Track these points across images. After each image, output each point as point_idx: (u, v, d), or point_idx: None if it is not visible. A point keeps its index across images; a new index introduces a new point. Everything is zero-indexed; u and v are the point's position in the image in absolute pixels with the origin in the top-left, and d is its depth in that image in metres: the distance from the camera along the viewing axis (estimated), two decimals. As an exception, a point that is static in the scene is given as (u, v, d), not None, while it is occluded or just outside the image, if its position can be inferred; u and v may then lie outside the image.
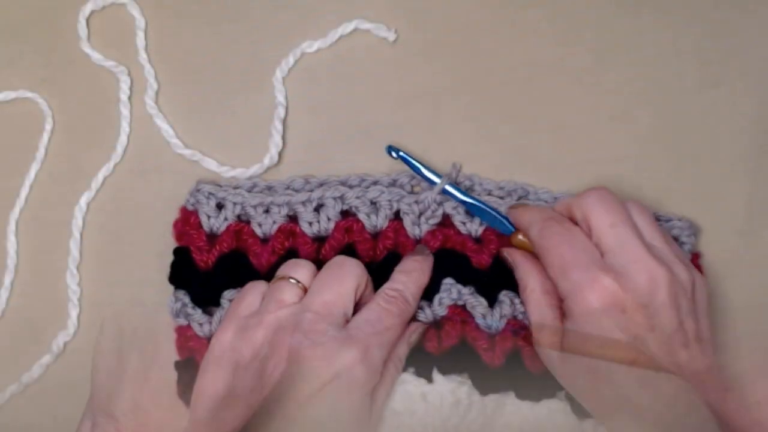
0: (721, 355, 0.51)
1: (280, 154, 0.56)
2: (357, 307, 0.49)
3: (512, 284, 0.52)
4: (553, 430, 0.51)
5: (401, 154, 0.54)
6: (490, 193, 0.55)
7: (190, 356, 0.53)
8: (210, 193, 0.54)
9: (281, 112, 0.57)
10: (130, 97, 0.57)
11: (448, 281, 0.52)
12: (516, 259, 0.51)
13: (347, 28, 0.57)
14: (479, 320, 0.51)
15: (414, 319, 0.52)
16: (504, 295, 0.52)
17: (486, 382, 0.51)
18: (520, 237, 0.52)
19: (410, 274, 0.51)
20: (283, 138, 0.57)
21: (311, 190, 0.55)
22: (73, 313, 0.56)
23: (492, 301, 0.52)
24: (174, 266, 0.53)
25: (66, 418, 0.55)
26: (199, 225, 0.53)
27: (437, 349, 0.52)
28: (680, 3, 0.57)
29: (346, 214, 0.54)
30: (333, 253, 0.53)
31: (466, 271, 0.52)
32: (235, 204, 0.53)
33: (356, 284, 0.49)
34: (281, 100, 0.57)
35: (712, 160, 0.56)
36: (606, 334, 0.45)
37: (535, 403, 0.52)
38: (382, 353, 0.48)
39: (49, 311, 0.56)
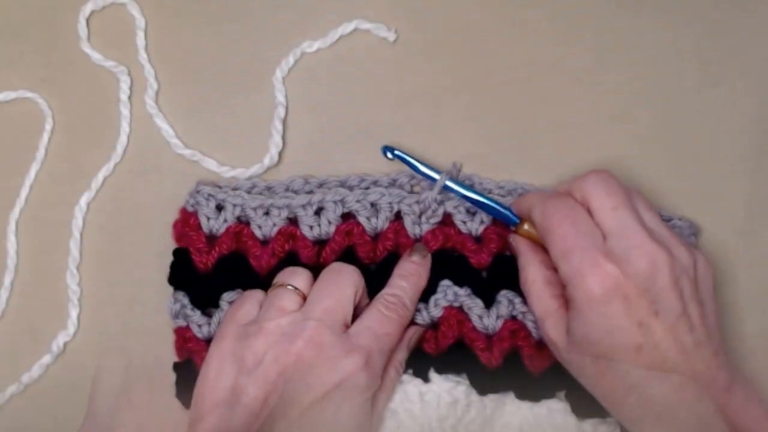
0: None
1: (280, 154, 0.56)
2: (354, 311, 0.50)
3: (511, 284, 0.52)
4: (553, 430, 0.51)
5: (397, 153, 0.54)
6: (490, 193, 0.55)
7: (189, 358, 0.53)
8: (210, 195, 0.54)
9: (281, 112, 0.57)
10: (130, 97, 0.57)
11: (445, 283, 0.52)
12: (520, 246, 0.51)
13: (347, 28, 0.57)
14: (476, 321, 0.51)
15: (411, 321, 0.52)
16: (502, 296, 0.52)
17: (485, 382, 0.51)
18: (526, 227, 0.51)
19: (408, 278, 0.51)
20: (283, 138, 0.57)
21: (311, 191, 0.55)
22: (73, 313, 0.56)
23: (490, 302, 0.52)
24: (173, 267, 0.53)
25: (66, 418, 0.55)
26: (199, 226, 0.53)
27: (434, 349, 0.52)
28: (680, 3, 0.57)
29: (346, 216, 0.53)
30: (333, 256, 0.53)
31: (463, 272, 0.52)
32: (234, 206, 0.53)
33: (355, 290, 0.49)
34: (281, 100, 0.57)
35: (712, 160, 0.56)
36: (610, 321, 0.45)
37: (534, 403, 0.52)
38: (382, 359, 0.48)
39: (49, 311, 0.56)
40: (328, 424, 0.46)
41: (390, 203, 0.53)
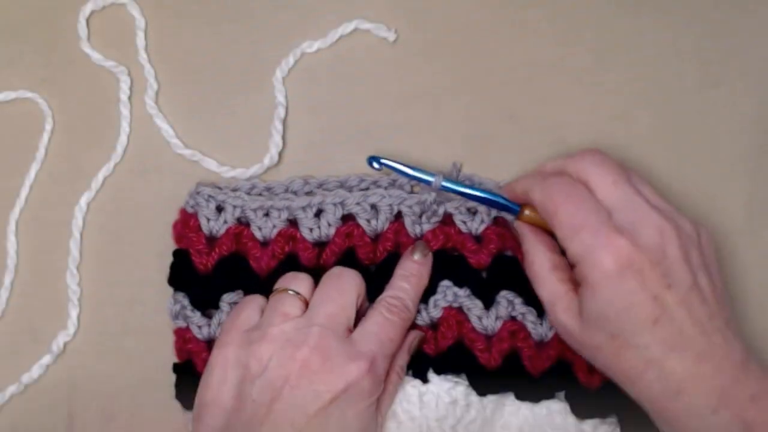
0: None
1: (280, 154, 0.56)
2: (356, 315, 0.50)
3: (511, 285, 0.52)
4: (553, 431, 0.51)
5: (385, 162, 0.52)
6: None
7: (189, 359, 0.53)
8: (210, 196, 0.54)
9: (281, 112, 0.57)
10: (130, 97, 0.57)
11: (444, 283, 0.52)
12: (524, 231, 0.51)
13: (347, 28, 0.57)
14: (475, 322, 0.51)
15: (412, 323, 0.52)
16: (502, 297, 0.52)
17: (484, 382, 0.51)
18: (527, 212, 0.51)
19: (410, 279, 0.51)
20: (283, 138, 0.57)
21: (310, 191, 0.55)
22: (73, 313, 0.56)
23: (489, 302, 0.52)
24: (173, 268, 0.53)
25: (66, 418, 0.56)
26: (199, 228, 0.53)
27: (433, 350, 0.52)
28: (680, 3, 0.57)
29: (346, 217, 0.53)
30: (333, 258, 0.52)
31: (463, 272, 0.52)
32: (234, 207, 0.53)
33: (357, 294, 0.49)
34: (281, 100, 0.57)
35: (712, 160, 0.56)
36: (626, 296, 0.45)
37: (534, 404, 0.51)
38: (386, 363, 0.49)
39: (49, 311, 0.56)
40: (334, 430, 0.46)
41: (390, 205, 0.53)
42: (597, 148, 0.50)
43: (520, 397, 0.51)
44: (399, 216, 0.53)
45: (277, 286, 0.50)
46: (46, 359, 0.55)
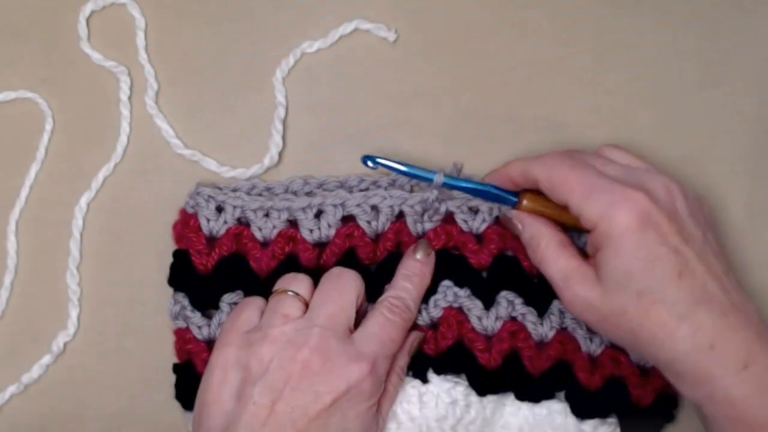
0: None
1: (280, 155, 0.56)
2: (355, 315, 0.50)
3: (511, 285, 0.52)
4: (553, 431, 0.51)
5: (380, 161, 0.52)
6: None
7: (189, 359, 0.53)
8: (210, 196, 0.53)
9: (281, 112, 0.57)
10: (130, 97, 0.57)
11: (445, 283, 0.52)
12: (523, 219, 0.50)
13: (347, 28, 0.57)
14: (475, 323, 0.51)
15: (413, 324, 0.52)
16: (502, 297, 0.52)
17: (484, 382, 0.51)
18: (525, 202, 0.51)
19: (413, 279, 0.51)
20: (283, 138, 0.57)
21: (310, 192, 0.55)
22: (73, 313, 0.56)
23: (489, 302, 0.52)
24: (173, 269, 0.53)
25: (66, 418, 0.56)
26: (199, 228, 0.53)
27: (433, 350, 0.52)
28: (680, 3, 0.57)
29: (346, 218, 0.53)
30: (333, 258, 0.52)
31: (463, 272, 0.52)
32: (234, 207, 0.53)
33: (356, 294, 0.49)
34: (281, 100, 0.57)
35: (712, 160, 0.56)
36: (650, 250, 0.44)
37: (534, 404, 0.51)
38: (387, 364, 0.48)
39: (49, 311, 0.56)
40: (335, 431, 0.46)
41: (391, 206, 0.53)
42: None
43: (520, 397, 0.51)
44: (400, 216, 0.53)
45: (276, 287, 0.50)
46: (46, 359, 0.55)
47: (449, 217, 0.53)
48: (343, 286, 0.49)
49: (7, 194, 0.57)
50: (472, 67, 0.57)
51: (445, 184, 0.52)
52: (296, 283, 0.50)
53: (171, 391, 0.53)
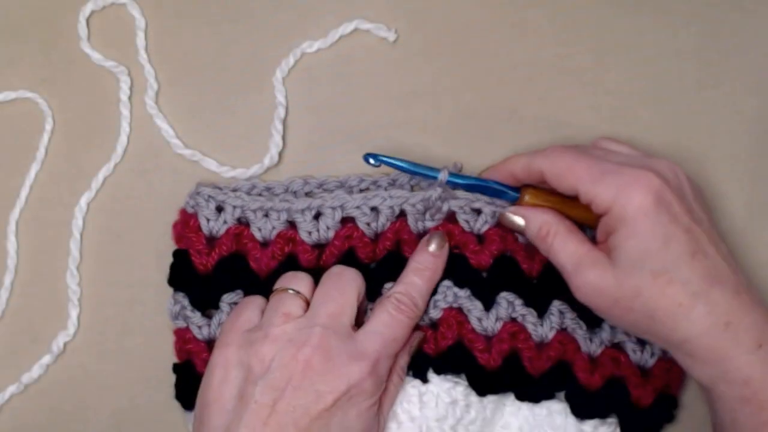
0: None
1: (280, 155, 0.56)
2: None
3: (511, 286, 0.52)
4: (553, 431, 0.51)
5: (383, 158, 0.52)
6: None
7: (189, 359, 0.53)
8: (210, 196, 0.53)
9: (281, 112, 0.57)
10: (130, 97, 0.57)
11: (445, 283, 0.52)
12: (526, 212, 0.50)
13: (347, 28, 0.57)
14: (475, 324, 0.51)
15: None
16: (502, 298, 0.52)
17: (484, 382, 0.51)
18: (527, 197, 0.51)
19: (423, 273, 0.50)
20: (283, 138, 0.57)
21: (310, 192, 0.55)
22: (73, 313, 0.56)
23: (489, 303, 0.52)
24: (173, 268, 0.53)
25: (66, 418, 0.56)
26: (199, 228, 0.53)
27: (433, 349, 0.52)
28: (680, 3, 0.57)
29: (345, 219, 0.53)
30: (333, 259, 0.52)
31: (464, 273, 0.52)
32: (234, 207, 0.53)
33: (357, 293, 0.49)
34: (281, 100, 0.57)
35: (712, 160, 0.56)
36: (664, 228, 0.45)
37: (534, 404, 0.51)
38: (389, 363, 0.48)
39: (49, 311, 0.56)
40: (337, 431, 0.46)
41: (391, 206, 0.53)
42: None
43: (520, 397, 0.51)
44: (400, 215, 0.53)
45: (277, 285, 0.50)
46: (46, 359, 0.55)
47: (450, 217, 0.53)
48: (344, 285, 0.49)
49: (7, 194, 0.57)
50: (472, 67, 0.57)
51: (448, 182, 0.52)
52: (297, 281, 0.50)
53: (171, 391, 0.53)
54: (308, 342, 0.46)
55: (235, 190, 0.55)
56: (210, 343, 0.52)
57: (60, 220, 0.57)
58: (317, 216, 0.53)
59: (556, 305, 0.52)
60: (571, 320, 0.51)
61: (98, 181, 0.57)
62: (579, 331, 0.51)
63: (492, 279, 0.52)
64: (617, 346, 0.52)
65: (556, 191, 0.50)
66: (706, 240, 0.46)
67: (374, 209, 0.53)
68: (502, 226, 0.52)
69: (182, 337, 0.53)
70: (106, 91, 0.57)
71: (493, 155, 0.55)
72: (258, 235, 0.53)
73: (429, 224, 0.53)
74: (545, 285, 0.52)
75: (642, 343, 0.51)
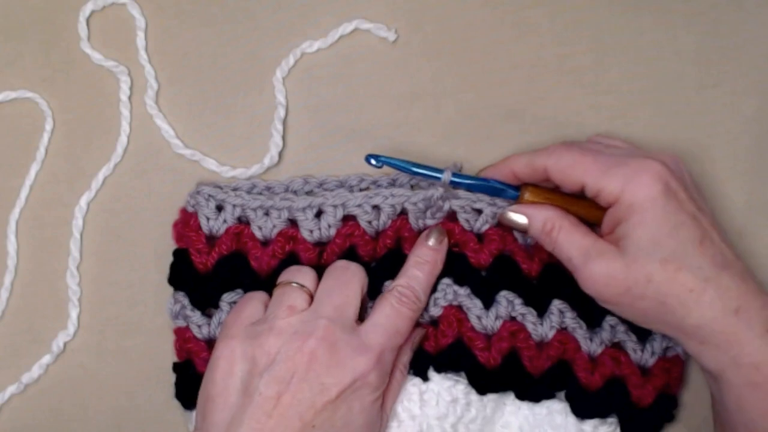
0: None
1: (280, 154, 0.56)
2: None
3: (510, 285, 0.52)
4: (553, 431, 0.51)
5: (384, 159, 0.51)
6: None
7: (188, 358, 0.53)
8: (210, 195, 0.53)
9: (281, 112, 0.57)
10: (130, 97, 0.57)
11: (445, 281, 0.52)
12: (528, 210, 0.50)
13: (347, 28, 0.57)
14: (474, 322, 0.51)
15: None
16: (501, 296, 0.52)
17: (484, 381, 0.51)
18: (527, 195, 0.51)
19: (423, 267, 0.51)
20: (283, 138, 0.57)
21: (311, 191, 0.55)
22: (73, 313, 0.56)
23: (489, 302, 0.52)
24: (173, 268, 0.53)
25: (66, 418, 0.56)
26: (199, 227, 0.53)
27: (433, 347, 0.52)
28: (680, 3, 0.57)
29: (346, 217, 0.53)
30: (334, 257, 0.52)
31: (464, 271, 0.52)
32: (234, 206, 0.53)
33: (361, 287, 0.50)
34: (281, 100, 0.57)
35: (712, 160, 0.56)
36: (673, 216, 0.45)
37: (534, 403, 0.51)
38: (392, 356, 0.49)
39: (49, 311, 0.56)
40: (342, 425, 0.46)
41: (393, 205, 0.53)
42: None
43: (521, 396, 0.51)
44: (401, 214, 0.53)
45: (281, 279, 0.50)
46: (46, 359, 0.56)
47: (451, 216, 0.53)
48: (349, 279, 0.49)
49: (7, 194, 0.57)
50: (472, 67, 0.57)
51: (450, 182, 0.52)
52: (301, 275, 0.50)
53: (171, 390, 0.53)
54: (314, 334, 0.46)
55: (235, 189, 0.55)
56: (210, 343, 0.52)
57: (60, 220, 0.57)
58: (318, 214, 0.53)
59: (556, 304, 0.52)
60: (571, 320, 0.51)
61: (98, 181, 0.57)
62: (579, 331, 0.51)
63: (491, 278, 0.52)
64: (617, 346, 0.52)
65: (556, 189, 0.51)
66: (711, 227, 0.46)
67: (376, 207, 0.53)
68: (502, 226, 0.52)
69: (182, 336, 0.53)
70: (106, 91, 0.57)
71: (493, 155, 0.55)
72: (258, 234, 0.53)
73: (430, 222, 0.53)
74: (545, 285, 0.52)
75: (642, 342, 0.51)
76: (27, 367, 0.56)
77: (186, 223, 0.54)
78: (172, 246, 0.54)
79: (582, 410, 0.51)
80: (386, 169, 0.54)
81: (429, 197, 0.52)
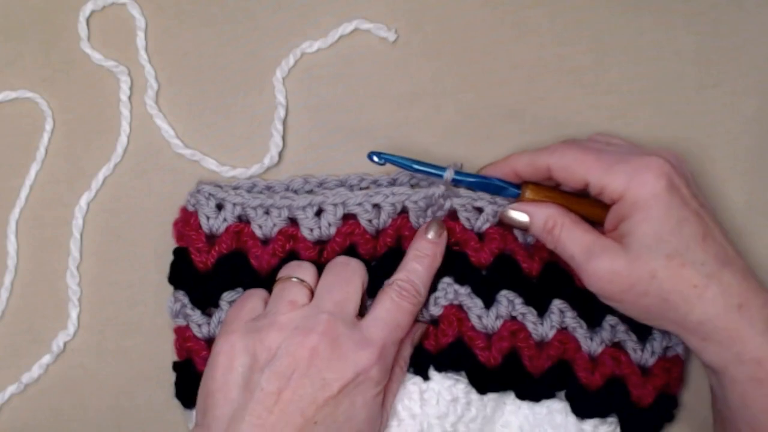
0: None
1: (280, 154, 0.56)
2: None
3: (511, 284, 0.52)
4: (553, 430, 0.51)
5: (387, 156, 0.51)
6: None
7: (188, 357, 0.53)
8: (210, 194, 0.54)
9: (281, 112, 0.57)
10: (130, 97, 0.57)
11: (446, 280, 0.52)
12: (529, 208, 0.50)
13: (347, 28, 0.57)
14: (475, 321, 0.51)
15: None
16: (502, 296, 0.52)
17: (485, 380, 0.51)
18: (528, 193, 0.50)
19: (423, 260, 0.50)
20: (283, 138, 0.57)
21: (311, 190, 0.55)
22: (73, 313, 0.56)
23: (489, 301, 0.52)
24: (173, 267, 0.53)
25: (66, 418, 0.56)
26: (199, 226, 0.53)
27: (434, 346, 0.52)
28: (680, 3, 0.57)
29: (347, 216, 0.53)
30: (334, 255, 0.52)
31: (464, 270, 0.52)
32: (234, 205, 0.53)
33: (361, 282, 0.49)
34: (281, 100, 0.57)
35: (712, 160, 0.56)
36: (677, 211, 0.45)
37: (534, 403, 0.51)
38: (394, 350, 0.49)
39: (49, 311, 0.56)
40: (344, 419, 0.46)
41: (393, 204, 0.53)
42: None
43: (521, 396, 0.51)
44: (401, 212, 0.53)
45: (281, 274, 0.50)
46: (46, 359, 0.56)
47: (452, 214, 0.53)
48: (349, 274, 0.49)
49: (7, 194, 0.57)
50: (472, 67, 0.57)
51: (455, 181, 0.52)
52: (301, 270, 0.50)
53: (171, 390, 0.53)
54: (315, 329, 0.46)
55: (235, 188, 0.55)
56: (210, 342, 0.52)
57: (60, 220, 0.57)
58: (319, 213, 0.53)
59: (557, 304, 0.52)
60: (571, 319, 0.51)
61: (98, 181, 0.57)
62: (579, 330, 0.51)
63: (492, 277, 0.52)
64: (617, 346, 0.52)
65: (557, 188, 0.50)
66: (713, 223, 0.47)
67: (376, 206, 0.53)
68: (502, 225, 0.52)
69: (182, 335, 0.53)
70: (106, 91, 0.58)
71: (493, 155, 0.55)
72: (258, 233, 0.53)
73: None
74: (545, 284, 0.52)
75: (642, 342, 0.51)
76: (27, 367, 0.56)
77: (186, 221, 0.54)
78: (172, 246, 0.54)
79: (582, 410, 0.51)
80: (387, 169, 0.54)
81: (430, 195, 0.52)
